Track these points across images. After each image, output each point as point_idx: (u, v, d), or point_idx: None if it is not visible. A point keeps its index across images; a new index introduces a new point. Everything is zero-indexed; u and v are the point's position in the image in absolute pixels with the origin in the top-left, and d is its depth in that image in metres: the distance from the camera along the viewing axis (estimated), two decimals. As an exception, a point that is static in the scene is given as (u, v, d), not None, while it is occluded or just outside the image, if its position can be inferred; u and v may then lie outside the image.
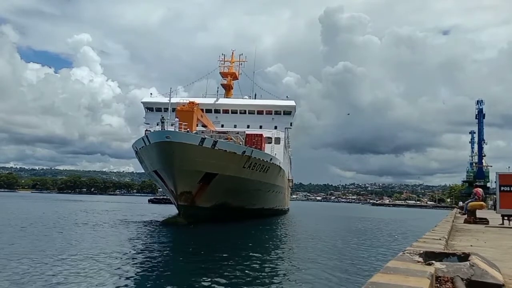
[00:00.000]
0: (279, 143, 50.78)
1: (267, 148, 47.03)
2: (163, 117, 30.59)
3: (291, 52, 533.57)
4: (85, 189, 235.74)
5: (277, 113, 51.57)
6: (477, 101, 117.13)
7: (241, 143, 40.71)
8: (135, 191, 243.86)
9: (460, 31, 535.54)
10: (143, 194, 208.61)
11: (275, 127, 51.13)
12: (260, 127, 50.11)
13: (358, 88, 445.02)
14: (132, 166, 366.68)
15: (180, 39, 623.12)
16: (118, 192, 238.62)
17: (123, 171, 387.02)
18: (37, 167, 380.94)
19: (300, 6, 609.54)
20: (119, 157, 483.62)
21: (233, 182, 34.42)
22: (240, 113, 51.38)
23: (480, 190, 20.04)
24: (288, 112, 52.09)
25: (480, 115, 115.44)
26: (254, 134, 45.60)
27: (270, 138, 49.62)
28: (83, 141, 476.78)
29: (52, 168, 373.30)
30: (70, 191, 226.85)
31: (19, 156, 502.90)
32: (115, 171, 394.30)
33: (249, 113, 51.40)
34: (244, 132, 45.68)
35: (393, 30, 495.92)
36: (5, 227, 28.36)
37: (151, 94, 56.13)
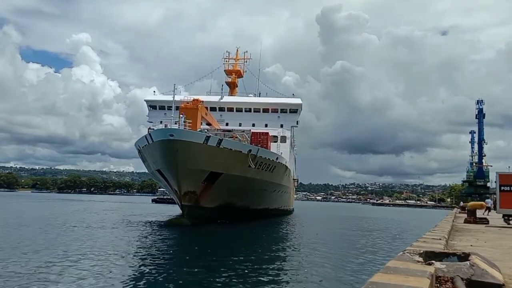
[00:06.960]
0: (285, 142, 49.95)
1: (273, 147, 46.24)
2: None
3: (290, 52, 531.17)
4: (85, 189, 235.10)
5: (283, 111, 50.73)
6: (477, 101, 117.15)
7: (246, 141, 39.99)
8: (135, 190, 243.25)
9: (458, 31, 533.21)
10: (143, 194, 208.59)
11: (281, 126, 50.17)
12: (266, 125, 49.23)
13: (357, 88, 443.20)
14: (132, 166, 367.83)
15: (180, 39, 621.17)
16: (118, 192, 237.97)
17: (123, 170, 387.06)
18: (37, 167, 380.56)
19: (299, 6, 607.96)
20: (119, 156, 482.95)
21: (238, 182, 33.65)
22: (245, 111, 50.44)
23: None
24: (294, 110, 51.14)
25: (480, 115, 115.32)
26: (259, 133, 44.87)
27: (276, 136, 48.79)
28: (84, 141, 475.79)
29: (52, 168, 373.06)
30: (70, 190, 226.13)
31: (19, 156, 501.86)
32: (115, 170, 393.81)
33: (254, 111, 50.48)
34: (250, 130, 44.78)
35: (391, 30, 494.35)
36: (5, 227, 28.39)
37: (154, 92, 55.39)
